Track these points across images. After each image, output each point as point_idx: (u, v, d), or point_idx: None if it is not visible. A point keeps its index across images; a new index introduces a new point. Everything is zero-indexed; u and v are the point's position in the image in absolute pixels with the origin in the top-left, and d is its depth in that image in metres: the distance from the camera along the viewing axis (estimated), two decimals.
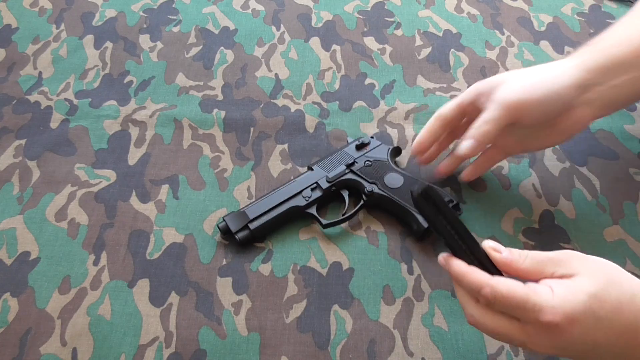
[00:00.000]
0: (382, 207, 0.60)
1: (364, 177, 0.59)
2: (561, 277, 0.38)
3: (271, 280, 0.55)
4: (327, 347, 0.51)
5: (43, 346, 0.51)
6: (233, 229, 0.56)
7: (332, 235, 0.59)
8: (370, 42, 0.77)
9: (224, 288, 0.55)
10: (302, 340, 0.52)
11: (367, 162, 0.60)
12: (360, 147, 0.61)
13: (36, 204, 0.61)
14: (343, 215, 0.58)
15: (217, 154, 0.65)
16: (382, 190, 0.58)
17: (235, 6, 0.83)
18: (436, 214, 0.41)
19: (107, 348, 0.51)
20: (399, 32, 0.79)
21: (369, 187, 0.58)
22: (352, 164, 0.60)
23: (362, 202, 0.58)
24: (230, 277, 0.56)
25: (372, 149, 0.61)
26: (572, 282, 0.37)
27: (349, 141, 0.63)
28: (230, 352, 0.51)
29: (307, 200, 0.58)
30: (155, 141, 0.67)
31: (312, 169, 0.60)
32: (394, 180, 0.59)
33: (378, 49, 0.76)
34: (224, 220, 0.57)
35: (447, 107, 0.56)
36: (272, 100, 0.71)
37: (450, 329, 0.52)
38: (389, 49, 0.76)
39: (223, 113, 0.69)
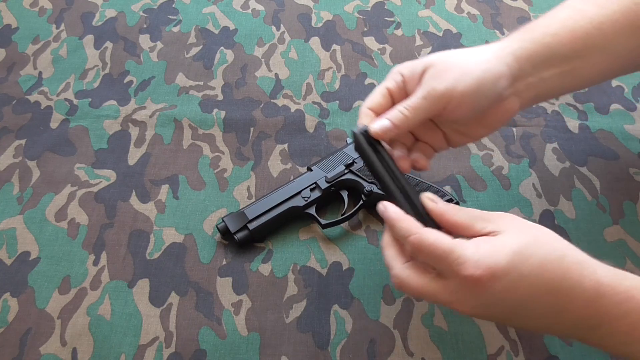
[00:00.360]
0: None
1: (363, 177, 0.59)
2: (489, 233, 0.38)
3: (271, 280, 0.55)
4: (327, 347, 0.51)
5: (43, 346, 0.51)
6: (232, 229, 0.56)
7: (332, 235, 0.59)
8: (370, 42, 0.77)
9: (224, 288, 0.55)
10: (302, 340, 0.52)
11: None
12: None
13: (36, 204, 0.61)
14: (342, 215, 0.58)
15: (217, 154, 0.65)
16: (382, 190, 0.58)
17: (235, 6, 0.83)
18: (375, 155, 0.43)
19: (107, 348, 0.51)
20: (399, 32, 0.79)
21: (368, 187, 0.58)
22: (351, 164, 0.60)
23: (361, 202, 0.58)
24: (230, 277, 0.56)
25: None
26: (497, 239, 0.37)
27: (349, 142, 0.63)
28: (230, 352, 0.51)
29: (306, 201, 0.58)
30: (155, 141, 0.67)
31: (311, 170, 0.60)
32: None
33: (378, 49, 0.76)
34: (223, 220, 0.57)
35: (374, 98, 0.47)
36: (272, 100, 0.71)
37: (450, 329, 0.52)
38: (389, 48, 0.76)
39: (223, 113, 0.69)
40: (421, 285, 0.39)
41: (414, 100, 0.44)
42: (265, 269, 0.56)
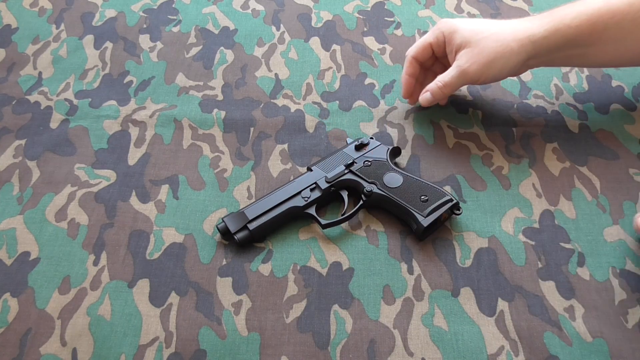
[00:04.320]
0: (381, 207, 0.60)
1: (363, 177, 0.59)
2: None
3: (271, 280, 0.55)
4: (327, 347, 0.51)
5: (43, 346, 0.51)
6: (232, 229, 0.56)
7: (332, 235, 0.59)
8: (370, 42, 0.77)
9: (224, 288, 0.55)
10: (302, 340, 0.52)
11: (366, 162, 0.60)
12: (359, 147, 0.61)
13: (36, 204, 0.61)
14: (342, 215, 0.58)
15: (217, 154, 0.65)
16: (382, 190, 0.58)
17: (235, 6, 0.83)
18: None
19: (107, 348, 0.51)
20: (399, 32, 0.79)
21: (368, 187, 0.58)
22: (352, 164, 0.60)
23: (361, 202, 0.58)
24: (230, 277, 0.56)
25: (371, 149, 0.61)
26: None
27: (348, 142, 0.63)
28: (230, 352, 0.51)
29: (306, 201, 0.58)
30: (155, 141, 0.67)
31: (311, 170, 0.60)
32: (393, 180, 0.59)
33: (378, 49, 0.76)
34: (222, 221, 0.57)
35: (419, 50, 0.64)
36: (272, 100, 0.71)
37: (450, 329, 0.52)
38: (389, 48, 0.76)
39: (223, 113, 0.69)
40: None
41: (450, 79, 0.60)
42: (265, 269, 0.56)
